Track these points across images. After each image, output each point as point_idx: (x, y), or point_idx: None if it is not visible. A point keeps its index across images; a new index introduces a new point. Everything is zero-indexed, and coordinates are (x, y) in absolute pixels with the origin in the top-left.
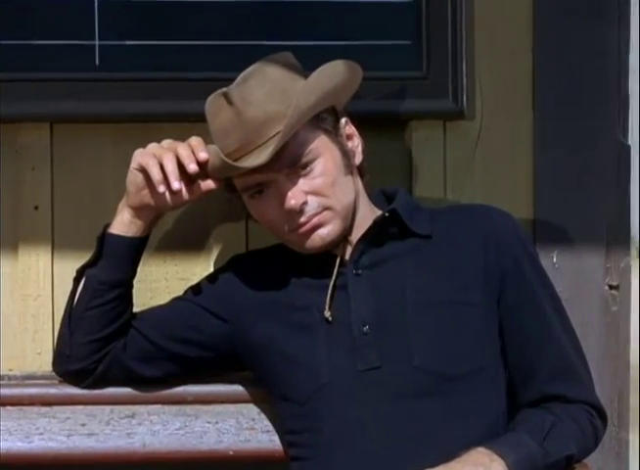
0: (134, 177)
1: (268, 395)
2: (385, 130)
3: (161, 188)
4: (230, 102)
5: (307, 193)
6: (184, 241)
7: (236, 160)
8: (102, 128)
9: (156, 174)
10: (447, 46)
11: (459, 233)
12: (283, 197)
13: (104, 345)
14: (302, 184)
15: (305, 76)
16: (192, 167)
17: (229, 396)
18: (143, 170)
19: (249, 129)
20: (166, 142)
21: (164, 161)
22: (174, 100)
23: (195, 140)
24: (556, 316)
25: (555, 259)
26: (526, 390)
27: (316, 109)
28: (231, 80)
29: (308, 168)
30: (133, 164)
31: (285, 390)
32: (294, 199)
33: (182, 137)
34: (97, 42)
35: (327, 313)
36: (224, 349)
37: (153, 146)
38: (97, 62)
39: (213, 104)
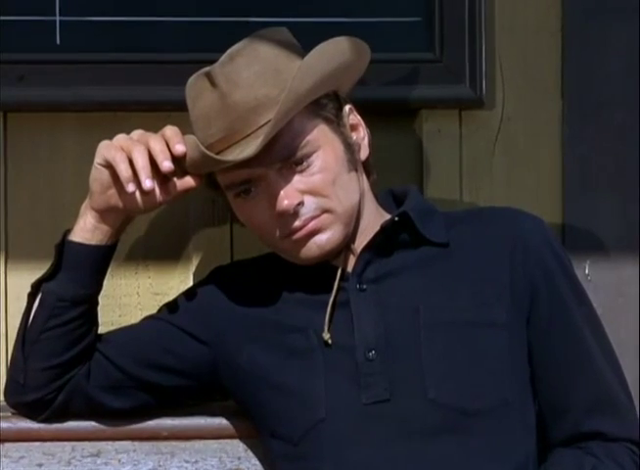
0: (99, 174)
1: (256, 429)
2: (391, 121)
3: (131, 187)
4: (214, 84)
5: (303, 192)
6: (159, 249)
7: (219, 152)
8: (63, 118)
9: (123, 171)
10: (464, 24)
11: (481, 241)
12: (274, 197)
13: (64, 372)
14: (297, 182)
15: (303, 56)
16: (166, 165)
17: (211, 430)
18: (109, 166)
19: (235, 116)
20: (137, 133)
21: (134, 155)
22: (146, 85)
23: (170, 130)
24: (594, 339)
25: (587, 271)
26: (560, 426)
27: (315, 93)
28: (213, 63)
29: (305, 163)
30: (97, 159)
31: (274, 426)
32: (287, 199)
33: (155, 128)
34: (57, 18)
35: (326, 336)
36: (205, 376)
37: (120, 138)
38: (57, 41)
39: (194, 86)
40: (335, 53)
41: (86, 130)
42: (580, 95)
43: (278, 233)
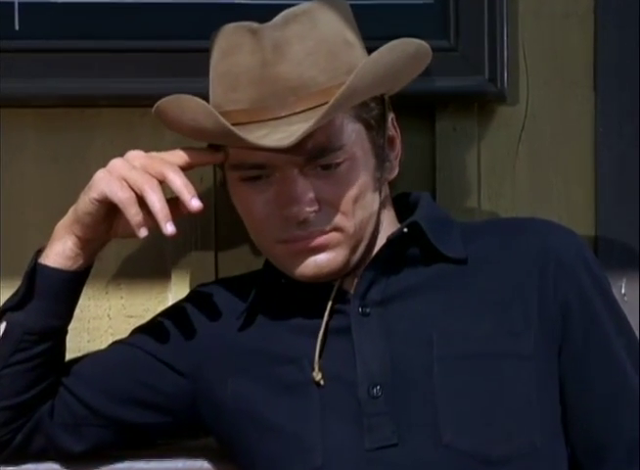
0: (94, 210)
1: None
2: (399, 117)
3: (143, 232)
4: (259, 45)
5: (320, 201)
6: (132, 265)
7: (237, 124)
8: (22, 114)
9: (134, 216)
10: (482, 7)
11: (504, 257)
12: (286, 196)
13: (24, 411)
14: (317, 188)
15: (360, 41)
16: (195, 205)
17: None
18: (106, 202)
19: (270, 91)
20: (134, 157)
21: (147, 195)
22: (118, 77)
23: (180, 157)
24: (635, 371)
25: (623, 290)
26: None
27: (370, 93)
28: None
29: (332, 170)
30: (93, 194)
31: None
32: (299, 204)
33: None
34: (16, 0)
35: (317, 376)
36: (182, 412)
37: (119, 166)
38: (16, 26)
39: (231, 37)
40: (401, 53)
41: (49, 129)
42: (616, 87)
43: (275, 235)
